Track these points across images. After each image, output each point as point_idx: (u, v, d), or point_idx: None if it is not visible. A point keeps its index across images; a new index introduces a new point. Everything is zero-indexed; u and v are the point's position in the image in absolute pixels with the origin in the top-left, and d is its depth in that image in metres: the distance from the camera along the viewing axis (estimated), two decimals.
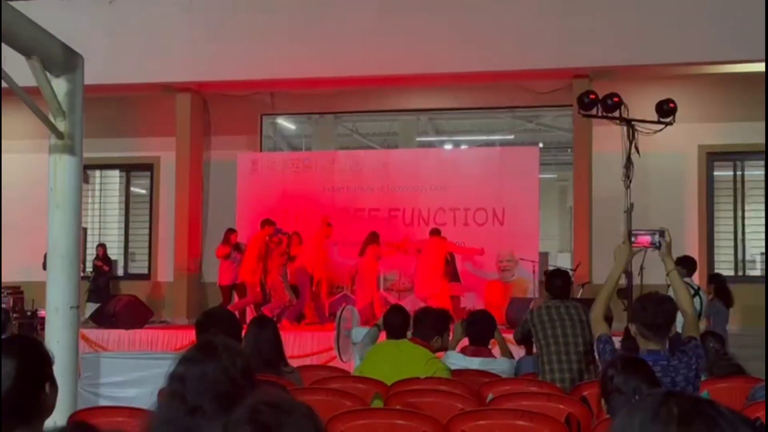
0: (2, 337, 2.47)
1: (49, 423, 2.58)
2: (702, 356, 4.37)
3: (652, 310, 4.19)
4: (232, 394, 2.33)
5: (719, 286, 11.46)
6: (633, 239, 4.58)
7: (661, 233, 4.58)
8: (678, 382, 4.16)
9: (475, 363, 6.04)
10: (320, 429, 1.46)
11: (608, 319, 9.63)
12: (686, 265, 11.56)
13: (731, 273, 14.86)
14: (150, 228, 17.06)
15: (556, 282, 6.35)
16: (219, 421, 2.26)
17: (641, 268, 10.28)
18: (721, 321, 11.09)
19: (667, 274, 4.50)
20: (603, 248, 13.45)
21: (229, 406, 2.30)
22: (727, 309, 11.40)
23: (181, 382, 2.36)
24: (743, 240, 15.29)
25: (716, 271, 14.10)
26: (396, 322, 6.37)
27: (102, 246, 16.21)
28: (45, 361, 2.48)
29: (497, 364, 6.05)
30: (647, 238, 4.57)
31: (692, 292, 11.03)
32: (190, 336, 12.29)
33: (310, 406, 1.51)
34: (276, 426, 1.42)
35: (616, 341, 8.20)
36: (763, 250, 15.30)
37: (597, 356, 4.65)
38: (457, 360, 6.17)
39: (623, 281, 8.83)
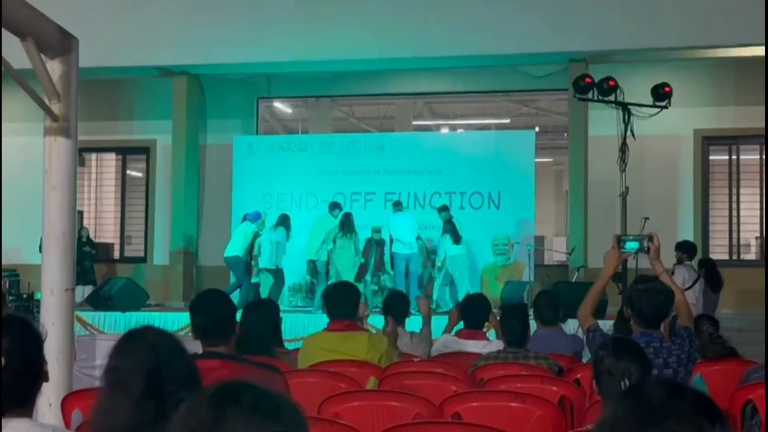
0: None
1: (44, 403, 2.59)
2: (695, 340, 4.39)
3: (648, 301, 4.21)
4: (159, 371, 2.34)
5: (709, 271, 11.50)
6: (622, 245, 4.62)
7: (650, 238, 4.61)
8: (670, 363, 4.18)
9: (469, 346, 6.06)
10: (287, 412, 1.44)
11: (603, 302, 9.54)
12: (687, 249, 11.59)
13: (726, 257, 14.91)
14: (146, 211, 17.05)
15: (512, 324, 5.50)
16: (157, 401, 2.28)
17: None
18: (709, 305, 11.13)
19: (656, 278, 4.52)
20: (598, 232, 13.48)
21: (162, 384, 2.31)
22: (715, 293, 11.45)
23: (113, 372, 2.38)
24: (738, 224, 15.32)
25: (710, 255, 14.15)
26: (397, 307, 6.39)
27: (86, 229, 16.22)
28: (36, 340, 2.48)
29: (492, 347, 6.06)
30: (635, 244, 4.61)
31: (695, 277, 11.07)
32: (185, 318, 12.32)
33: (283, 392, 1.49)
34: (243, 408, 1.41)
35: (609, 324, 8.25)
36: (758, 234, 15.35)
37: (587, 346, 4.67)
38: (451, 343, 6.20)
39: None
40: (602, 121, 12.59)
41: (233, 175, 15.82)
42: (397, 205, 14.04)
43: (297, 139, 17.17)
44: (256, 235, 13.86)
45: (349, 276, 13.04)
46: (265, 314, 5.41)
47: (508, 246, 14.53)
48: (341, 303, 5.38)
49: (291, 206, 15.38)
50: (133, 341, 2.44)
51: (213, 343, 3.72)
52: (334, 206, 14.16)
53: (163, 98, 16.03)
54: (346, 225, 13.73)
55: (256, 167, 15.69)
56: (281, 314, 5.67)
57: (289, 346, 6.16)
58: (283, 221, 13.96)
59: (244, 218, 14.19)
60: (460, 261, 13.76)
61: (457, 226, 13.74)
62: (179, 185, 15.81)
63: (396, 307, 6.48)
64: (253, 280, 13.92)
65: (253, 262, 13.87)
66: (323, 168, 15.48)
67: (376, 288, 13.96)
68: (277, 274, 13.78)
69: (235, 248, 13.76)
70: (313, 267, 14.01)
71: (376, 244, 14.00)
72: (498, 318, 5.85)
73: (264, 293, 13.55)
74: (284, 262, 13.86)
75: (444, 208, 13.93)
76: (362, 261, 13.79)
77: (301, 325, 12.16)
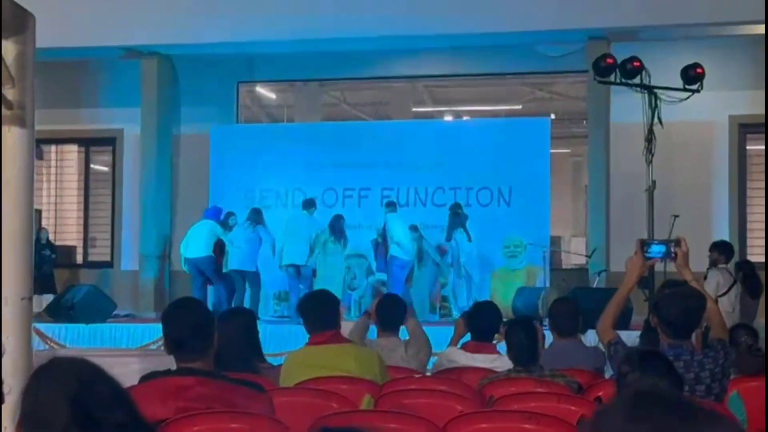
0: None
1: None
2: (731, 353, 4.40)
3: (676, 308, 4.21)
4: (83, 397, 2.34)
5: (747, 274, 11.47)
6: (646, 250, 4.62)
7: (677, 242, 4.61)
8: (703, 378, 4.19)
9: (477, 360, 6.06)
10: None
11: (627, 310, 9.55)
12: (723, 251, 11.54)
13: (763, 259, 14.91)
14: (112, 210, 17.03)
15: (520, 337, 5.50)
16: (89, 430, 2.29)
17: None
18: (748, 313, 11.11)
19: (686, 282, 4.53)
20: (621, 231, 13.48)
21: (89, 411, 2.32)
22: (754, 300, 11.41)
23: (31, 414, 2.38)
24: None
25: (749, 257, 14.14)
26: (390, 313, 6.39)
27: (45, 230, 16.20)
28: None
29: (503, 362, 6.07)
30: (662, 248, 4.61)
31: (731, 281, 11.06)
32: (157, 330, 12.33)
33: None
34: None
35: (634, 336, 8.27)
36: None
37: (609, 361, 4.68)
38: (457, 357, 6.20)
39: None
40: (626, 107, 12.58)
41: (210, 169, 15.81)
42: (391, 206, 14.07)
43: (282, 129, 17.19)
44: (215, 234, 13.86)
45: (336, 287, 13.02)
46: (242, 324, 5.42)
47: (520, 248, 14.54)
48: (320, 313, 5.41)
49: (276, 203, 15.39)
50: (45, 374, 2.43)
51: (188, 358, 3.72)
52: (310, 204, 14.17)
53: (131, 83, 16.00)
54: (337, 229, 13.76)
55: (236, 160, 15.69)
56: (259, 324, 5.70)
57: (273, 361, 6.16)
58: (257, 217, 13.97)
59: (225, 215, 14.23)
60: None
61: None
62: (150, 180, 15.80)
63: (389, 311, 6.46)
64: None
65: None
66: (312, 160, 15.47)
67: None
68: (254, 277, 13.80)
69: (200, 248, 13.73)
70: (295, 272, 13.95)
71: (380, 247, 14.06)
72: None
73: (240, 300, 13.59)
74: (268, 265, 13.87)
75: (457, 208, 14.00)
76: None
77: (288, 337, 12.15)
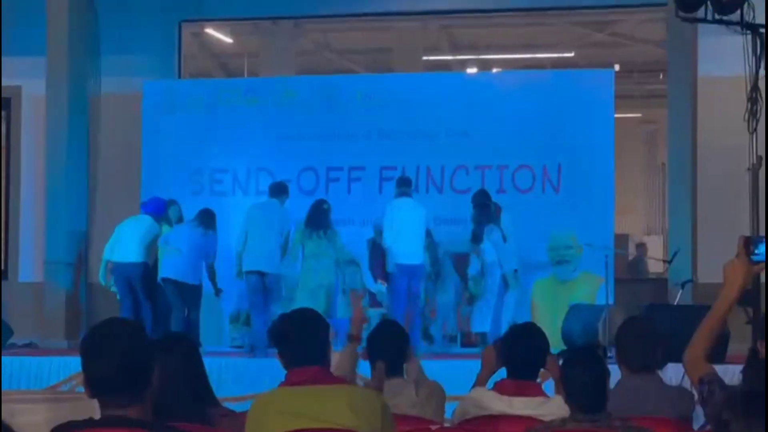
0: None
1: None
2: None
3: None
4: None
5: None
6: (752, 250, 4.61)
7: None
8: None
9: (517, 405, 6.07)
10: None
11: (723, 337, 9.58)
12: None
13: None
14: (5, 199, 17.00)
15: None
16: None
17: None
18: None
19: None
20: (714, 227, 13.49)
21: None
22: None
23: None
24: None
25: None
26: (390, 347, 6.39)
27: None
28: None
29: (551, 407, 6.08)
30: None
31: None
32: (72, 365, 12.30)
33: None
34: None
35: (735, 370, 8.26)
36: None
37: (701, 405, 4.69)
38: (489, 401, 6.21)
39: None
40: (720, 55, 12.58)
41: (143, 142, 15.81)
42: (404, 185, 14.00)
43: (242, 85, 17.14)
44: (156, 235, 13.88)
45: (319, 302, 13.02)
46: (185, 357, 5.42)
47: (572, 250, 14.55)
48: (302, 341, 5.39)
49: (233, 190, 15.42)
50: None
51: (118, 403, 3.71)
52: (280, 189, 14.10)
53: (34, 23, 15.97)
54: (319, 219, 13.75)
55: (178, 129, 15.72)
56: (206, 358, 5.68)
57: (232, 407, 6.16)
58: (209, 221, 13.94)
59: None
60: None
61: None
62: (58, 159, 15.80)
63: (389, 346, 6.47)
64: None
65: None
66: (283, 130, 15.48)
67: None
68: (194, 293, 13.79)
69: (132, 250, 13.74)
70: (258, 283, 13.87)
71: (378, 249, 14.03)
72: (555, 363, 5.85)
73: (179, 322, 13.65)
74: (224, 276, 13.89)
75: (483, 197, 13.96)
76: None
77: (250, 375, 12.17)
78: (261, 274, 13.83)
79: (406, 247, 13.56)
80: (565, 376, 5.51)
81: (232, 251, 14.07)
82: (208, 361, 5.75)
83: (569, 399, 5.49)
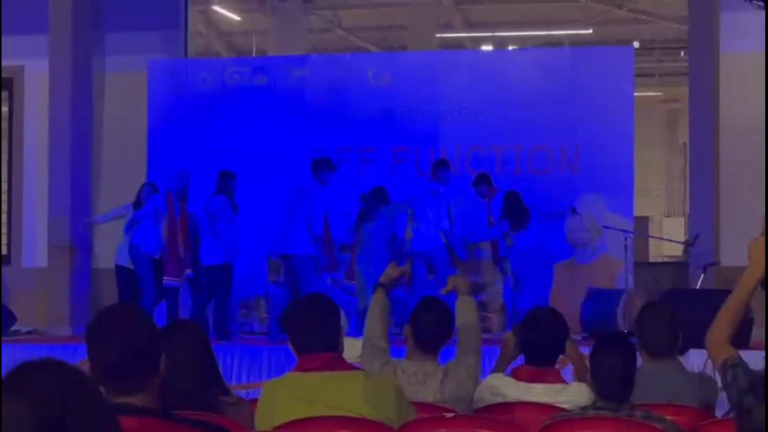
0: None
1: None
2: None
3: None
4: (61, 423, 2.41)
5: None
6: None
7: None
8: None
9: (535, 392, 6.07)
10: None
11: (746, 321, 9.55)
12: None
13: None
14: (8, 179, 17.01)
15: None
16: None
17: None
18: None
19: None
20: (737, 209, 13.46)
21: None
22: None
23: None
24: None
25: None
26: (431, 329, 6.36)
27: None
28: None
29: (570, 394, 6.08)
30: None
31: None
32: (78, 352, 12.32)
33: None
34: None
35: (759, 356, 8.25)
36: None
37: (725, 392, 4.67)
38: (506, 388, 6.20)
39: None
40: (744, 30, 12.54)
41: (148, 122, 15.84)
42: (442, 167, 13.97)
43: (250, 64, 17.15)
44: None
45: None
46: (192, 343, 5.42)
47: (591, 233, 14.54)
48: (316, 327, 5.39)
49: (240, 170, 15.41)
50: (20, 381, 2.48)
51: (125, 391, 3.71)
52: (323, 165, 13.86)
53: (35, 1, 15.98)
54: (378, 200, 13.70)
55: (184, 109, 15.76)
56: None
57: (242, 394, 6.15)
58: (225, 183, 13.87)
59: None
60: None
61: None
62: (62, 139, 15.81)
63: (431, 324, 6.41)
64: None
65: None
66: (292, 110, 15.48)
67: None
68: (224, 273, 13.77)
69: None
70: (288, 267, 13.81)
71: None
72: (575, 348, 5.82)
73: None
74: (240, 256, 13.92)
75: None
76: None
77: (262, 360, 12.19)
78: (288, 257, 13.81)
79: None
80: (593, 362, 5.50)
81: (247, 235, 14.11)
82: (217, 348, 5.77)
83: (595, 385, 5.49)
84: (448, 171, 14.04)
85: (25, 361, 2.61)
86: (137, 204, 14.11)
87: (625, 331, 11.53)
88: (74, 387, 2.52)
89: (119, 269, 14.05)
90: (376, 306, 6.61)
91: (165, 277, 13.55)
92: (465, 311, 6.59)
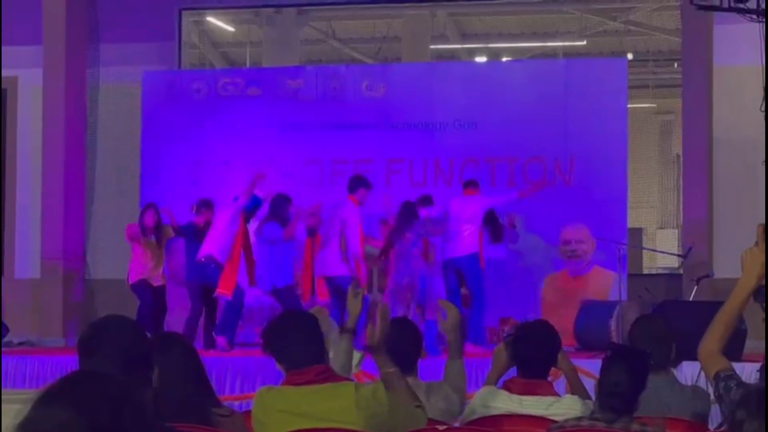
0: None
1: None
2: None
3: None
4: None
5: None
6: None
7: None
8: None
9: (527, 405, 6.07)
10: None
11: (739, 333, 9.56)
12: None
13: None
14: (1, 190, 16.98)
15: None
16: None
17: None
18: None
19: None
20: (730, 219, 13.47)
21: None
22: None
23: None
24: None
25: None
26: (404, 343, 6.36)
27: None
28: None
29: (562, 407, 6.08)
30: None
31: None
32: (70, 363, 12.29)
33: None
34: None
35: (752, 368, 8.26)
36: None
37: (717, 401, 4.68)
38: (497, 400, 6.21)
39: None
40: (736, 43, 12.55)
41: (142, 133, 15.82)
42: (472, 186, 13.88)
43: (244, 75, 17.13)
44: None
45: None
46: (183, 356, 5.43)
47: (585, 244, 14.54)
48: (300, 343, 5.40)
49: (234, 182, 15.40)
50: (74, 389, 2.51)
51: None
52: (359, 183, 13.64)
53: (29, 12, 15.97)
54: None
55: (178, 120, 15.72)
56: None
57: (233, 406, 6.14)
58: (279, 208, 13.67)
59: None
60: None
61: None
62: (56, 150, 15.80)
63: (403, 344, 6.43)
64: None
65: None
66: (286, 121, 15.48)
67: None
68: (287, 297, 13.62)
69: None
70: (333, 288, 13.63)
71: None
72: (567, 360, 5.82)
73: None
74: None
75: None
76: None
77: (262, 372, 12.15)
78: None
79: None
80: (603, 372, 5.51)
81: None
82: (207, 360, 5.76)
83: (600, 395, 5.50)
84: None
85: (76, 370, 2.63)
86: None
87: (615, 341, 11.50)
88: (125, 399, 2.55)
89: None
90: (343, 353, 6.50)
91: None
92: (455, 377, 6.56)
